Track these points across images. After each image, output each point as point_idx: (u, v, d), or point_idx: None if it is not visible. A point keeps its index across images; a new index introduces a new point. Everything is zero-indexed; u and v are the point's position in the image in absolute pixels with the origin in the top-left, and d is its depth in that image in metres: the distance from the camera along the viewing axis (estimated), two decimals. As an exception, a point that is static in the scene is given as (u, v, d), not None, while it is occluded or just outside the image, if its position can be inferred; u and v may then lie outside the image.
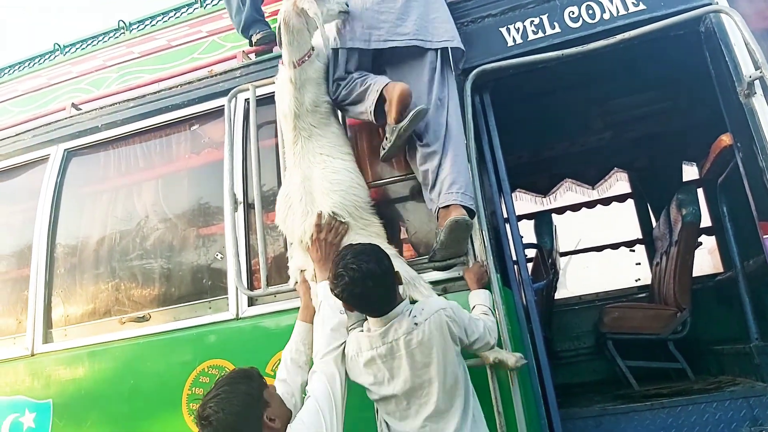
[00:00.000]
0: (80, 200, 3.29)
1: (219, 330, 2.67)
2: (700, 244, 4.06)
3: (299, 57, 2.39)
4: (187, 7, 4.02)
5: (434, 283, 2.34)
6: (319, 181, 2.33)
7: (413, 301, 2.09)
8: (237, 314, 2.64)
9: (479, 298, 2.24)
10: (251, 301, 2.64)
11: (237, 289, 2.63)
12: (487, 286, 2.29)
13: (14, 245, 3.42)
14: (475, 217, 2.36)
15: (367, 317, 2.02)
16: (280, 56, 2.54)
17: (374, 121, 2.42)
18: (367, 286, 1.88)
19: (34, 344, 2.97)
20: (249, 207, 2.79)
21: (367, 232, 2.32)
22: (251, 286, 2.66)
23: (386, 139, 2.43)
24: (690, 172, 4.72)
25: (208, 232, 3.02)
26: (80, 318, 3.03)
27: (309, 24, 2.35)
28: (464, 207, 2.27)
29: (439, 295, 2.28)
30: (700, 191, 3.98)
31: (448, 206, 2.26)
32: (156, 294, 2.97)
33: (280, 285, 2.56)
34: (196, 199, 3.09)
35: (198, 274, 2.94)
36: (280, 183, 2.71)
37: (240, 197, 2.79)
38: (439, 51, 2.43)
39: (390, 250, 2.20)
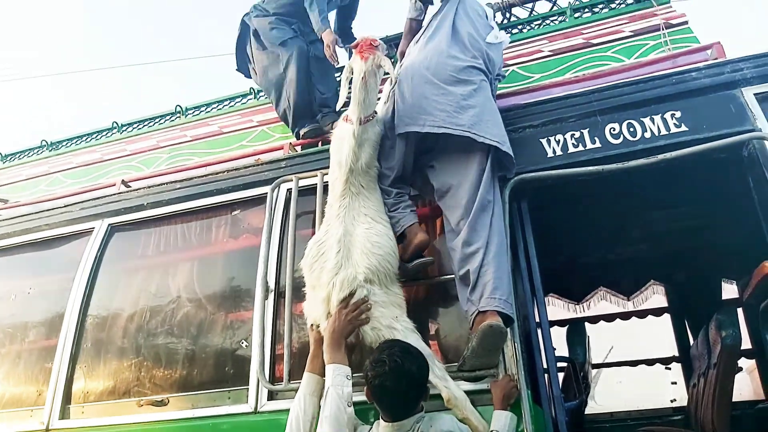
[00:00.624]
0: (117, 275, 3.36)
1: (236, 423, 2.59)
2: (741, 369, 3.86)
3: (366, 115, 2.51)
4: (241, 98, 4.24)
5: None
6: (362, 239, 2.36)
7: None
8: (256, 407, 2.57)
9: (500, 422, 2.12)
10: (271, 395, 2.58)
11: (258, 380, 2.58)
12: (515, 403, 2.19)
13: (47, 314, 3.46)
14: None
15: (380, 417, 1.95)
16: (323, 151, 2.67)
17: None
18: (401, 384, 1.86)
19: (50, 419, 2.94)
20: (279, 296, 2.78)
21: (389, 301, 2.31)
22: (273, 379, 2.60)
23: None
24: (729, 290, 4.56)
25: (236, 318, 3.01)
26: (100, 396, 3.00)
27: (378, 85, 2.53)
28: (502, 315, 2.22)
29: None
30: (740, 311, 3.84)
31: (484, 312, 2.21)
32: (177, 377, 2.93)
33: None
34: (228, 283, 3.12)
35: (221, 361, 2.90)
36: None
37: (272, 285, 2.79)
38: (489, 153, 2.48)
39: (409, 324, 2.25)
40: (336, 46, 3.43)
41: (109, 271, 3.35)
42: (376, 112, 2.61)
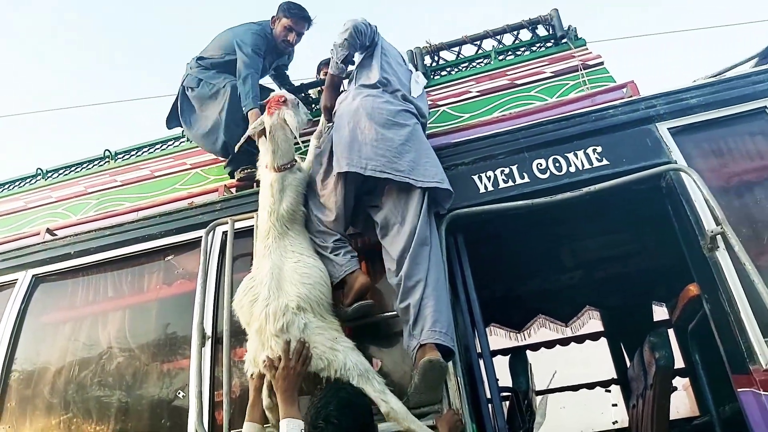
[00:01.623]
0: (43, 329, 3.18)
1: (174, 480, 2.48)
2: (675, 389, 4.01)
3: (282, 163, 2.68)
4: (173, 140, 4.16)
5: (405, 432, 2.23)
6: (290, 272, 2.42)
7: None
8: (195, 460, 2.46)
9: None
10: (212, 446, 2.48)
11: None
12: (461, 435, 2.19)
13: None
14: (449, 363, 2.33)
15: None
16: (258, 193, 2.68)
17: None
18: None
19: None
20: (217, 342, 2.71)
21: (326, 326, 2.36)
22: (213, 429, 2.51)
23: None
24: (660, 312, 4.77)
25: (172, 367, 2.90)
26: (26, 458, 2.80)
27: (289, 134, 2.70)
28: (442, 349, 2.25)
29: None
30: (671, 332, 4.01)
31: (424, 346, 2.24)
32: (110, 433, 2.78)
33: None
34: (163, 331, 3.00)
35: (157, 413, 2.78)
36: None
37: (209, 332, 2.71)
38: (426, 193, 2.56)
39: (348, 343, 2.32)
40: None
41: (35, 325, 3.18)
42: (295, 161, 2.76)
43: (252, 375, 2.35)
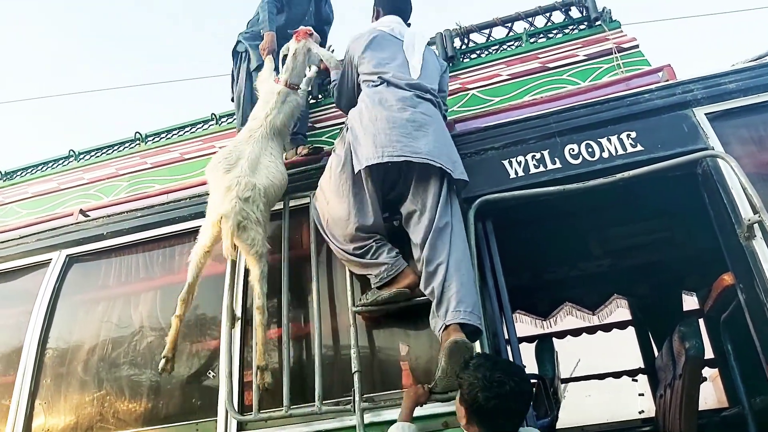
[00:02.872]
0: (77, 307, 3.25)
1: (204, 457, 2.52)
2: (705, 379, 3.95)
3: (292, 82, 3.10)
4: (202, 123, 4.19)
5: (434, 417, 2.25)
6: (264, 165, 2.78)
7: None
8: (225, 440, 2.50)
9: None
10: (241, 426, 2.52)
11: (227, 411, 2.52)
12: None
13: (4, 350, 3.32)
14: (477, 342, 2.33)
15: None
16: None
17: (372, 284, 2.56)
18: (524, 405, 1.88)
19: (8, 461, 2.81)
20: (246, 324, 2.75)
21: (261, 227, 2.65)
22: (242, 409, 2.55)
23: (363, 297, 2.56)
24: (690, 301, 4.69)
25: (203, 348, 2.95)
26: (61, 432, 2.87)
27: (308, 62, 3.17)
28: (469, 328, 2.25)
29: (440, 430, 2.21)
30: (701, 322, 3.94)
31: (449, 327, 2.23)
32: (142, 411, 2.85)
33: (273, 410, 2.46)
34: (193, 312, 3.02)
35: (187, 392, 2.83)
36: (280, 301, 2.70)
37: (239, 313, 2.75)
38: (445, 177, 2.52)
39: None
40: (273, 48, 3.53)
41: (68, 304, 3.25)
42: (299, 87, 3.13)
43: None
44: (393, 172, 2.59)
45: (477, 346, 2.33)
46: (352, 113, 2.78)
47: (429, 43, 3.34)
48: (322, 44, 4.05)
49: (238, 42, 3.83)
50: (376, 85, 2.76)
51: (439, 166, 2.48)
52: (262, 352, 2.57)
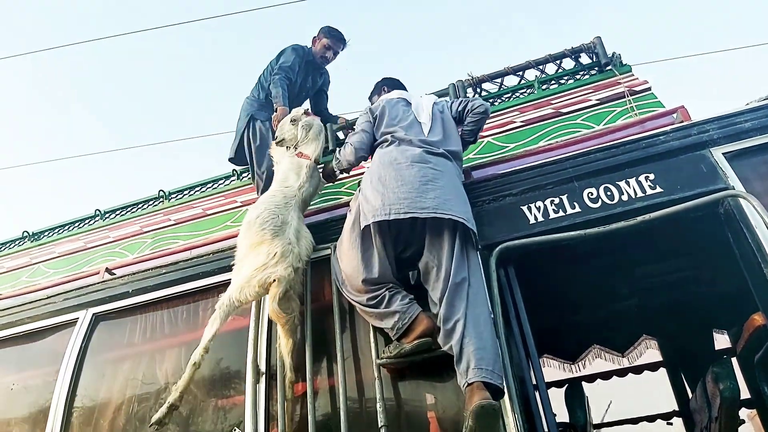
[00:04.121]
0: (103, 366, 3.28)
1: None
2: (743, 422, 3.82)
3: (317, 158, 3.28)
4: (224, 179, 4.28)
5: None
6: (303, 235, 2.89)
7: None
8: (253, 501, 2.47)
9: None
10: (269, 484, 2.49)
11: (254, 469, 2.50)
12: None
13: (32, 410, 3.34)
14: (506, 396, 2.29)
15: None
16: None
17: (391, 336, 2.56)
18: None
19: None
20: (271, 378, 2.74)
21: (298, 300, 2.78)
22: (270, 467, 2.53)
23: (387, 349, 2.55)
24: (722, 340, 4.56)
25: (228, 403, 2.94)
26: (89, 495, 2.86)
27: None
28: (491, 387, 2.21)
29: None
30: (734, 361, 3.83)
31: (472, 384, 2.20)
32: (169, 471, 2.82)
33: (300, 468, 2.43)
34: (218, 367, 3.05)
35: (214, 449, 2.81)
36: (304, 356, 2.69)
37: (263, 368, 2.75)
38: (458, 230, 2.54)
39: None
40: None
41: (95, 362, 3.28)
42: (321, 163, 3.34)
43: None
44: (406, 231, 2.61)
45: (505, 403, 2.29)
46: (364, 175, 2.87)
47: (441, 96, 3.43)
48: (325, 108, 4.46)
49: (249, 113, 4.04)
50: (388, 145, 2.86)
51: (449, 217, 2.49)
52: (290, 425, 2.58)
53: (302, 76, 4.19)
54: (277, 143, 3.38)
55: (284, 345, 2.66)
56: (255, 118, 3.96)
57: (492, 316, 2.48)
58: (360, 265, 2.62)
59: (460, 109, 3.06)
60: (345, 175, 3.35)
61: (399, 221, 2.55)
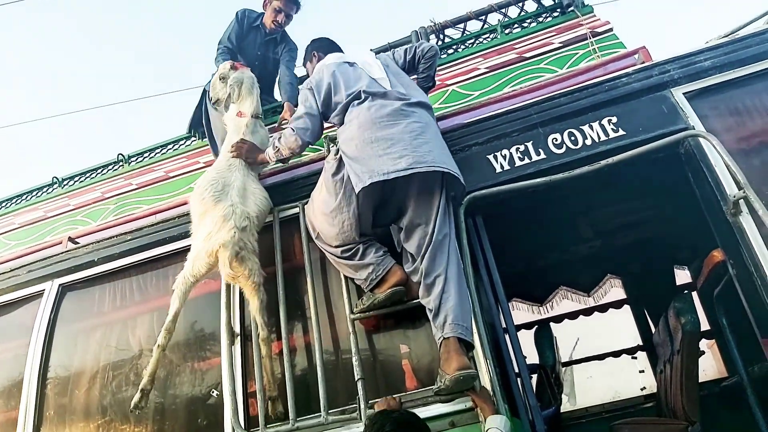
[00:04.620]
0: (73, 336, 3.23)
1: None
2: (703, 353, 4.00)
3: (257, 113, 3.18)
4: (185, 140, 4.17)
5: (440, 416, 2.27)
6: (251, 192, 2.84)
7: None
8: (234, 456, 2.51)
9: (495, 421, 2.14)
10: (249, 441, 2.52)
11: (233, 429, 2.53)
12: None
13: (4, 384, 3.31)
14: (477, 341, 2.36)
15: None
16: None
17: (364, 288, 2.59)
18: None
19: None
20: (246, 339, 2.75)
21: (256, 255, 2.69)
22: (249, 425, 2.56)
23: (360, 302, 2.57)
24: (683, 275, 4.74)
25: (204, 366, 2.95)
26: (68, 464, 2.87)
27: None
28: (464, 342, 2.30)
29: (446, 430, 2.22)
30: (694, 295, 3.99)
31: (448, 339, 2.28)
32: (149, 434, 2.84)
33: (279, 424, 2.47)
34: (191, 331, 3.04)
35: (192, 412, 2.84)
36: (278, 314, 2.70)
37: (237, 330, 2.75)
38: (444, 186, 2.52)
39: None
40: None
41: (65, 333, 3.23)
42: (262, 116, 3.23)
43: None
44: (388, 190, 2.54)
45: (477, 349, 2.36)
46: (342, 136, 2.69)
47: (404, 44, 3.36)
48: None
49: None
50: (360, 102, 2.67)
51: (447, 171, 2.45)
52: (272, 382, 2.60)
53: (259, 46, 4.00)
54: (213, 105, 3.31)
55: (252, 305, 2.64)
56: (207, 91, 3.83)
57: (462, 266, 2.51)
58: (343, 224, 2.59)
59: (409, 58, 2.94)
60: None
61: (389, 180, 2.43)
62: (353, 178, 2.49)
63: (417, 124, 2.56)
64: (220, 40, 3.92)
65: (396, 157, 2.44)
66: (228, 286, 2.80)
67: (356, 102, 2.69)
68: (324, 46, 3.18)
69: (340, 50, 3.15)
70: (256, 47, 4.04)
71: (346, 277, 2.69)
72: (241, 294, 2.80)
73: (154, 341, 3.02)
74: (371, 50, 3.56)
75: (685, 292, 4.14)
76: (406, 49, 2.97)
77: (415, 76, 2.99)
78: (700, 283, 3.72)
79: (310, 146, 2.89)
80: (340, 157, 2.62)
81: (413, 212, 2.51)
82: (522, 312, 5.16)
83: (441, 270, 2.38)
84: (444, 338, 2.28)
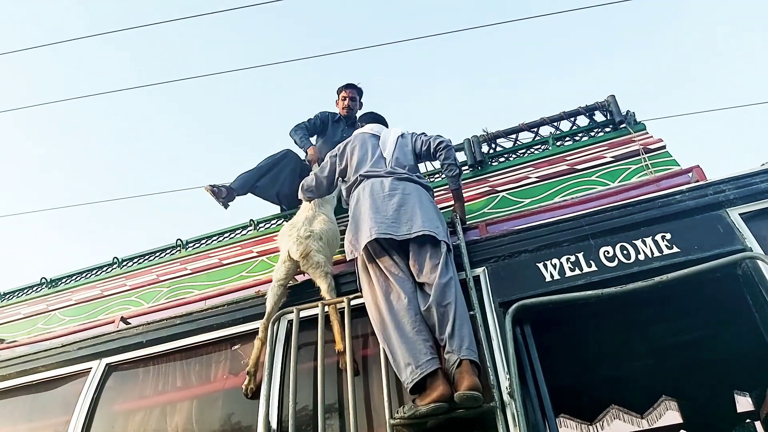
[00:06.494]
0: (113, 417, 3.24)
1: None
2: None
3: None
4: (241, 229, 4.33)
5: None
6: (318, 222, 3.46)
7: None
8: None
9: None
10: None
11: None
12: None
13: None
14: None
15: None
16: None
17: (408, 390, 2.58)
18: None
19: None
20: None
21: (323, 254, 3.26)
22: None
23: (401, 409, 2.50)
24: (744, 402, 4.43)
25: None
26: None
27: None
28: (474, 363, 2.49)
29: None
30: (758, 425, 3.72)
31: (462, 362, 2.47)
32: None
33: None
34: (228, 422, 3.01)
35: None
36: (316, 411, 2.65)
37: (274, 425, 2.71)
38: (441, 244, 2.84)
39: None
40: (317, 158, 4.20)
41: (106, 413, 3.24)
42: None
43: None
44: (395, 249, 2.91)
45: None
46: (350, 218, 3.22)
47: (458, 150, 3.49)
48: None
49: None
50: (358, 185, 3.27)
51: (423, 233, 2.83)
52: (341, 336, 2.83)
53: (341, 132, 4.54)
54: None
55: (322, 289, 3.09)
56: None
57: (508, 375, 2.44)
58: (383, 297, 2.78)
59: (424, 149, 3.42)
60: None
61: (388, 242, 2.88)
62: (353, 250, 3.01)
63: (400, 196, 3.07)
64: (297, 125, 4.46)
65: (379, 222, 2.92)
66: (269, 379, 2.78)
67: (355, 184, 3.31)
68: (366, 118, 3.90)
69: (380, 120, 3.88)
70: (340, 133, 4.56)
71: (388, 378, 2.64)
72: (280, 389, 2.78)
73: (191, 429, 3.03)
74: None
75: (747, 421, 3.86)
76: (423, 141, 3.44)
77: (443, 174, 3.45)
78: (763, 413, 3.48)
79: None
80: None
81: (414, 266, 2.83)
82: (570, 430, 4.89)
83: (452, 299, 2.65)
84: (461, 359, 2.47)
